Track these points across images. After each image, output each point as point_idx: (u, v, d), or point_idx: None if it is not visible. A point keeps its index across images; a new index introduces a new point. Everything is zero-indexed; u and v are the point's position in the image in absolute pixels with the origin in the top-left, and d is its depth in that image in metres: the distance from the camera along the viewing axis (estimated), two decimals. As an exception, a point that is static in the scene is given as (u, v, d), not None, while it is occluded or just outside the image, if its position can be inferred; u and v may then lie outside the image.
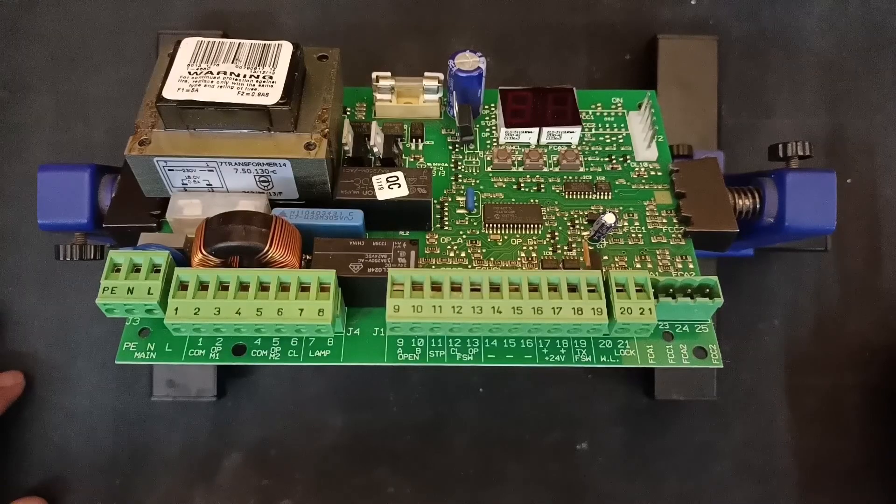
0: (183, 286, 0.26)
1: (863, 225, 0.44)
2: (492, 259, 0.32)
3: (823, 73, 0.44)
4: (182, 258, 0.29)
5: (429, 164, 0.34)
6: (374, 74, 0.34)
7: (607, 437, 0.46)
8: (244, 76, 0.28)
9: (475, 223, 0.33)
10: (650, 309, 0.26)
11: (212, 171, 0.29)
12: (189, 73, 0.28)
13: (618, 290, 0.27)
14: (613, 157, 0.35)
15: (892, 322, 0.45)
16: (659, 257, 0.33)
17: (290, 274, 0.26)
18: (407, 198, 0.30)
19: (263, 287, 0.26)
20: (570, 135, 0.34)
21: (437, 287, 0.27)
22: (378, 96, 0.34)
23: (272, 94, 0.28)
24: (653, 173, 0.34)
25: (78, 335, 0.43)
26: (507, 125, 0.34)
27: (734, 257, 0.43)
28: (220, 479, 0.45)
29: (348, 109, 0.35)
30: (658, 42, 0.43)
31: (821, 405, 0.46)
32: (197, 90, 0.28)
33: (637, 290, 0.27)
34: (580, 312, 0.26)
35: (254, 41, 0.29)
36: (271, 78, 0.28)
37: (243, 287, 0.26)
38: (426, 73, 0.34)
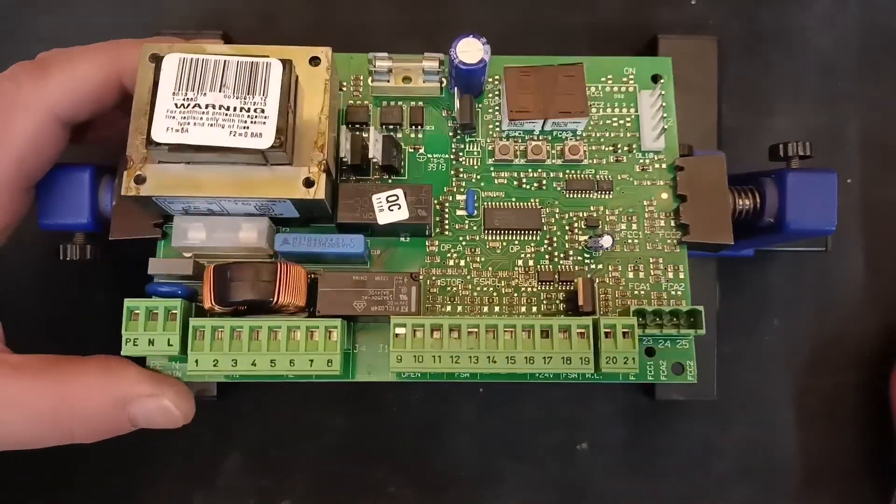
0: (199, 333, 0.28)
1: (863, 225, 0.44)
2: (490, 269, 0.33)
3: (823, 73, 0.44)
4: (192, 292, 0.30)
5: (428, 154, 0.33)
6: (370, 55, 0.32)
7: (607, 437, 0.46)
8: (234, 109, 0.27)
9: (475, 227, 0.33)
10: (633, 358, 0.29)
11: (212, 203, 0.29)
12: (176, 105, 0.27)
13: (605, 335, 0.29)
14: (619, 147, 0.34)
15: (892, 322, 0.45)
16: (652, 266, 0.33)
17: (299, 324, 0.29)
18: (407, 221, 0.30)
19: (273, 332, 0.29)
20: (577, 124, 0.33)
21: (436, 328, 0.29)
22: (375, 77, 0.33)
23: (266, 135, 0.27)
24: (657, 166, 0.33)
25: (78, 335, 0.42)
26: (511, 118, 0.32)
27: (734, 257, 0.43)
28: (220, 479, 0.45)
29: (344, 86, 0.34)
30: (658, 42, 0.42)
31: (821, 405, 0.46)
32: (187, 130, 0.27)
33: (623, 335, 0.29)
34: (569, 362, 0.29)
35: (240, 59, 0.28)
36: (263, 112, 0.27)
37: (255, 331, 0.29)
38: (426, 54, 0.32)
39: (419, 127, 0.33)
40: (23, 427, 0.29)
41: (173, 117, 0.27)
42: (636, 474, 0.46)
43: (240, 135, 0.27)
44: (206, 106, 0.27)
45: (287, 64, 0.28)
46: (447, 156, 0.33)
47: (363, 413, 0.45)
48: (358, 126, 0.33)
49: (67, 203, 0.33)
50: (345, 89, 0.34)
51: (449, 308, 0.33)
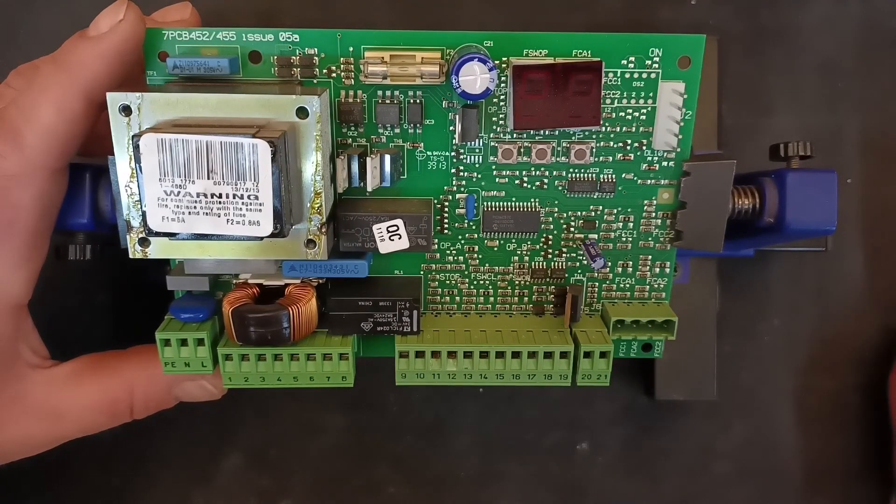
0: (228, 357, 0.32)
1: (863, 225, 0.44)
2: (487, 265, 0.34)
3: (823, 73, 0.44)
4: (214, 306, 0.32)
5: (428, 152, 0.32)
6: (363, 59, 0.30)
7: (607, 437, 0.46)
8: (227, 196, 0.26)
9: (474, 227, 0.33)
10: (606, 375, 0.33)
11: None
12: (165, 192, 0.26)
13: (584, 356, 0.32)
14: (629, 144, 0.32)
15: (892, 322, 0.45)
16: (641, 263, 0.34)
17: (315, 350, 0.32)
18: (408, 250, 0.31)
19: (294, 356, 0.32)
20: (587, 130, 0.32)
21: (436, 354, 0.32)
22: (369, 73, 0.31)
23: (264, 223, 0.27)
24: (666, 164, 0.32)
25: (78, 335, 0.43)
26: (517, 127, 0.31)
27: (734, 257, 0.43)
28: (220, 479, 0.45)
29: (334, 71, 0.31)
30: (658, 42, 0.42)
31: (821, 405, 0.46)
32: (183, 220, 0.27)
33: (600, 356, 0.32)
34: (549, 378, 0.32)
35: (223, 139, 0.26)
36: (257, 199, 0.26)
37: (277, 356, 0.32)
38: (423, 58, 0.30)
39: (417, 126, 0.32)
40: (91, 423, 0.34)
41: (166, 205, 0.27)
42: (636, 474, 0.46)
43: (237, 223, 0.27)
44: (198, 195, 0.26)
45: (274, 145, 0.26)
46: (448, 153, 0.32)
47: (363, 413, 0.45)
48: (352, 125, 0.32)
49: (67, 203, 0.32)
50: (334, 75, 0.31)
51: (448, 299, 0.35)
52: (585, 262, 0.34)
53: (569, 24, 0.44)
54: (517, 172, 0.33)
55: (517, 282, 0.34)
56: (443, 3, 0.44)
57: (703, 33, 0.31)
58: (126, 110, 0.27)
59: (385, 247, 0.31)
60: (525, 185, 0.33)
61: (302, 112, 0.27)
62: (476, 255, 0.34)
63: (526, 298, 0.35)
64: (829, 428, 0.46)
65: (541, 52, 0.31)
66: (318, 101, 0.27)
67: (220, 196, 0.26)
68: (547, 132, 0.32)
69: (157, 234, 0.27)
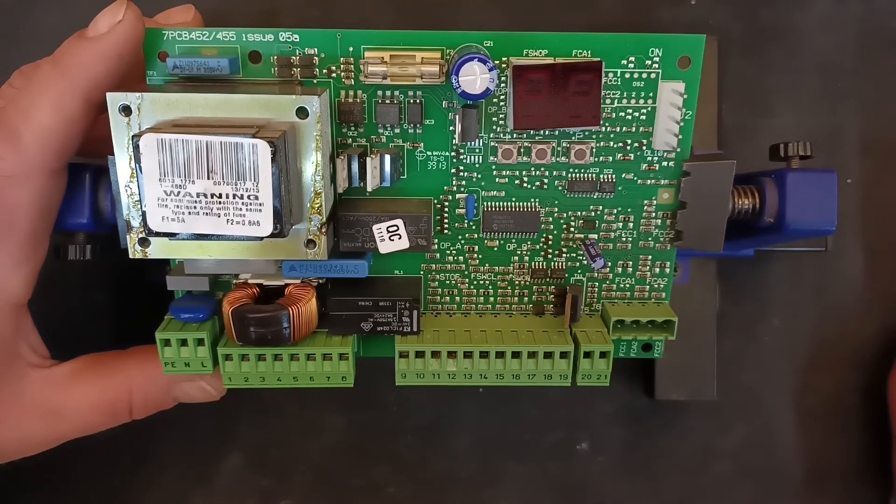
0: (227, 357, 0.32)
1: (863, 225, 0.44)
2: (487, 265, 0.34)
3: (823, 73, 0.44)
4: (214, 306, 0.32)
5: (428, 152, 0.32)
6: (363, 59, 0.30)
7: (607, 437, 0.46)
8: (227, 196, 0.26)
9: (474, 227, 0.33)
10: (606, 375, 0.33)
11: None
12: (165, 192, 0.26)
13: (584, 356, 0.33)
14: (628, 144, 0.32)
15: (892, 322, 0.45)
16: (641, 263, 0.34)
17: (315, 350, 0.32)
18: (408, 250, 0.31)
19: (294, 356, 0.32)
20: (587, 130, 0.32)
21: (436, 354, 0.32)
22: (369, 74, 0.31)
23: (264, 223, 0.27)
24: (665, 164, 0.32)
25: (78, 335, 0.42)
26: (517, 127, 0.31)
27: (734, 257, 0.43)
28: (219, 479, 0.45)
29: (334, 71, 0.31)
30: (658, 42, 0.42)
31: (821, 405, 0.46)
32: (183, 220, 0.27)
33: (600, 356, 0.33)
34: (549, 378, 0.33)
35: (223, 139, 0.26)
36: (257, 199, 0.26)
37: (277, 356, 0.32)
38: (423, 58, 0.30)
39: (417, 126, 0.32)
40: (89, 423, 0.34)
41: (166, 206, 0.27)
42: (636, 474, 0.46)
43: (237, 223, 0.27)
44: (198, 195, 0.26)
45: (274, 145, 0.26)
46: (448, 153, 0.32)
47: (363, 413, 0.45)
48: (352, 125, 0.32)
49: (67, 203, 0.32)
50: (334, 75, 0.31)
51: (448, 299, 0.35)
52: (585, 262, 0.34)
53: (569, 24, 0.44)
54: (517, 172, 0.33)
55: (517, 282, 0.34)
56: (443, 3, 0.44)
57: (703, 33, 0.31)
58: (126, 110, 0.27)
59: (385, 247, 0.31)
60: (525, 185, 0.33)
61: (302, 112, 0.27)
62: (476, 255, 0.34)
63: (526, 298, 0.35)
64: (829, 428, 0.46)
65: (541, 52, 0.31)
66: (318, 101, 0.27)
67: (220, 196, 0.27)
68: (547, 132, 0.32)
69: (157, 234, 0.27)
